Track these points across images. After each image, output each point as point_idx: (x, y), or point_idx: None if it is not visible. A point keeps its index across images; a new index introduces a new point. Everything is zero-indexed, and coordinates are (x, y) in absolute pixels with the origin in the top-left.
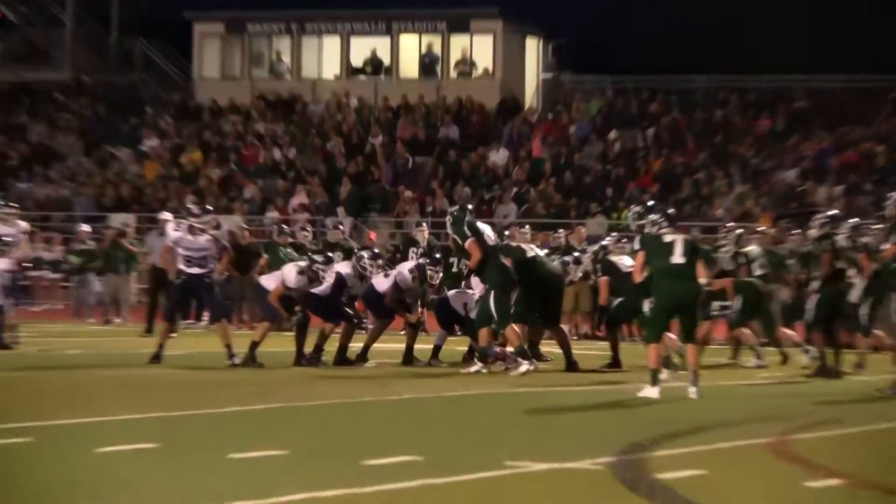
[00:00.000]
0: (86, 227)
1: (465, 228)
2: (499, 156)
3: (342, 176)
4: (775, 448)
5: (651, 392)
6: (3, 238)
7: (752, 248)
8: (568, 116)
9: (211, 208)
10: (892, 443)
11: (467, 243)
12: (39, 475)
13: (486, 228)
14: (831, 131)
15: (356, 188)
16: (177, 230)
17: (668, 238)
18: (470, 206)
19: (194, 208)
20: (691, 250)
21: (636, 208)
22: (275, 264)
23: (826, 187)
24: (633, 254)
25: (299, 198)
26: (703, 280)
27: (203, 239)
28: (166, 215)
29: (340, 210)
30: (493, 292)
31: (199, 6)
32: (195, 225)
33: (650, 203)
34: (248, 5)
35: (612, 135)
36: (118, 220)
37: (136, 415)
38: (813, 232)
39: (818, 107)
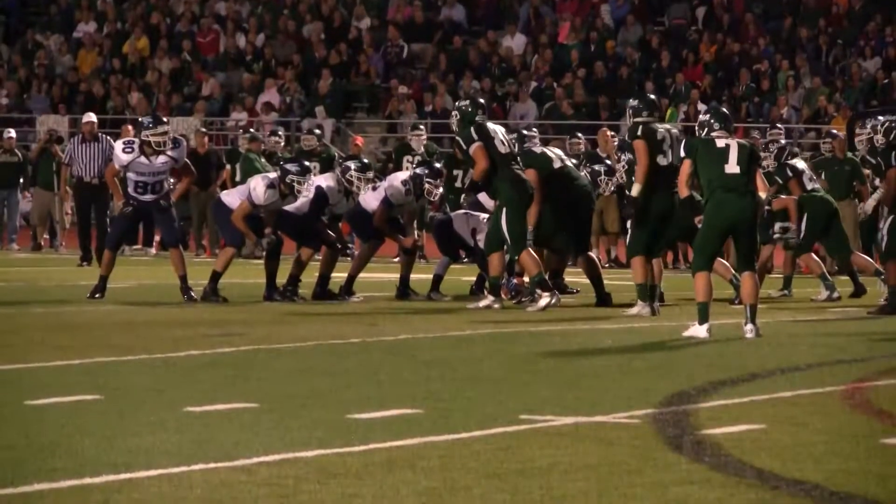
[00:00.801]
0: (12, 133)
1: (472, 130)
2: (514, 42)
3: (321, 68)
4: (848, 397)
5: (699, 331)
6: None
7: (797, 162)
8: None
9: (166, 120)
10: None
11: (472, 148)
12: None
13: (499, 131)
14: None
15: (339, 83)
16: (128, 150)
17: (720, 143)
18: (482, 101)
19: (147, 120)
20: (749, 158)
21: (633, 102)
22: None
23: None
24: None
25: (269, 95)
26: (763, 194)
27: (160, 161)
28: (90, 116)
29: (319, 110)
30: (504, 210)
31: None
32: (152, 141)
33: (649, 97)
34: None
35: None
36: (48, 122)
37: (74, 360)
38: (879, 137)
39: None
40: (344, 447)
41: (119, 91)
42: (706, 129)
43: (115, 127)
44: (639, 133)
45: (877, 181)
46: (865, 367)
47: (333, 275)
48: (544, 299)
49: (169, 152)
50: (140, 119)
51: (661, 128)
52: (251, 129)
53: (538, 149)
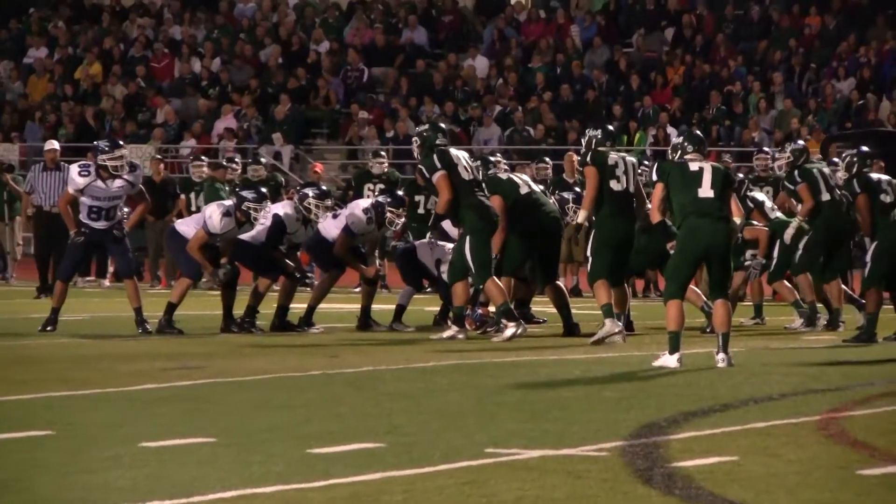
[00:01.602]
0: None
1: (435, 158)
2: (478, 65)
3: (279, 93)
4: (823, 428)
5: (669, 361)
6: None
7: (756, 193)
8: (566, 14)
9: (122, 143)
10: None
11: (436, 177)
12: None
13: (462, 157)
14: None
15: (297, 108)
16: (84, 174)
17: (694, 166)
18: (444, 126)
19: (103, 144)
20: (723, 181)
21: (592, 132)
22: None
23: (890, 102)
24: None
25: (226, 121)
26: (737, 219)
27: (117, 185)
28: (53, 144)
29: (277, 136)
30: (468, 238)
31: None
32: (109, 166)
33: (609, 127)
34: None
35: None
36: None
37: (26, 395)
38: (840, 175)
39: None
40: (305, 482)
41: (71, 118)
42: (679, 152)
43: (66, 155)
44: (588, 159)
45: (798, 206)
46: (841, 396)
47: (292, 305)
48: (510, 329)
49: (125, 176)
50: (96, 143)
51: (615, 154)
52: (202, 157)
53: (504, 175)
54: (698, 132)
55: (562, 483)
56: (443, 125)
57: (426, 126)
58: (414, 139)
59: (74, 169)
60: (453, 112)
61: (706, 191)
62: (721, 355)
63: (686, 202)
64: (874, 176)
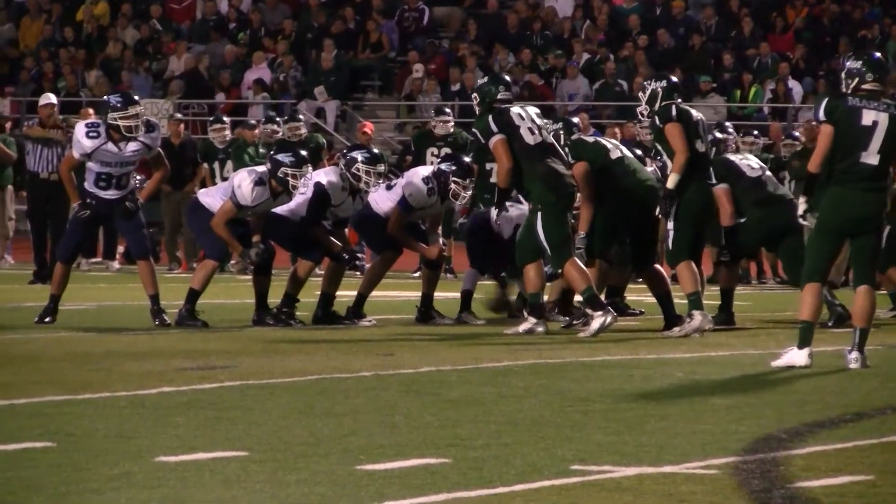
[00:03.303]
0: None
1: (490, 119)
2: (560, 5)
3: (322, 38)
4: None
5: (798, 357)
6: None
7: None
8: None
9: (137, 99)
10: None
11: (492, 142)
12: None
13: (526, 116)
14: None
15: (343, 56)
16: (92, 135)
17: (867, 118)
18: (507, 78)
19: (115, 99)
20: (891, 143)
21: (652, 84)
22: None
23: None
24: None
25: (257, 72)
26: None
27: (131, 148)
28: (49, 98)
29: (320, 90)
30: (539, 213)
31: None
32: (121, 126)
33: (673, 78)
34: None
35: None
36: None
37: (18, 399)
38: None
39: None
40: None
41: (72, 68)
42: (856, 80)
43: (64, 111)
44: (673, 115)
45: None
46: None
47: (339, 293)
48: (597, 320)
49: (141, 138)
50: (106, 98)
51: (694, 110)
52: (224, 118)
53: (590, 137)
54: (879, 55)
55: None
56: (506, 77)
57: (485, 79)
58: (473, 95)
59: (81, 129)
60: (531, 61)
61: (870, 156)
62: (854, 354)
63: (840, 164)
64: None
